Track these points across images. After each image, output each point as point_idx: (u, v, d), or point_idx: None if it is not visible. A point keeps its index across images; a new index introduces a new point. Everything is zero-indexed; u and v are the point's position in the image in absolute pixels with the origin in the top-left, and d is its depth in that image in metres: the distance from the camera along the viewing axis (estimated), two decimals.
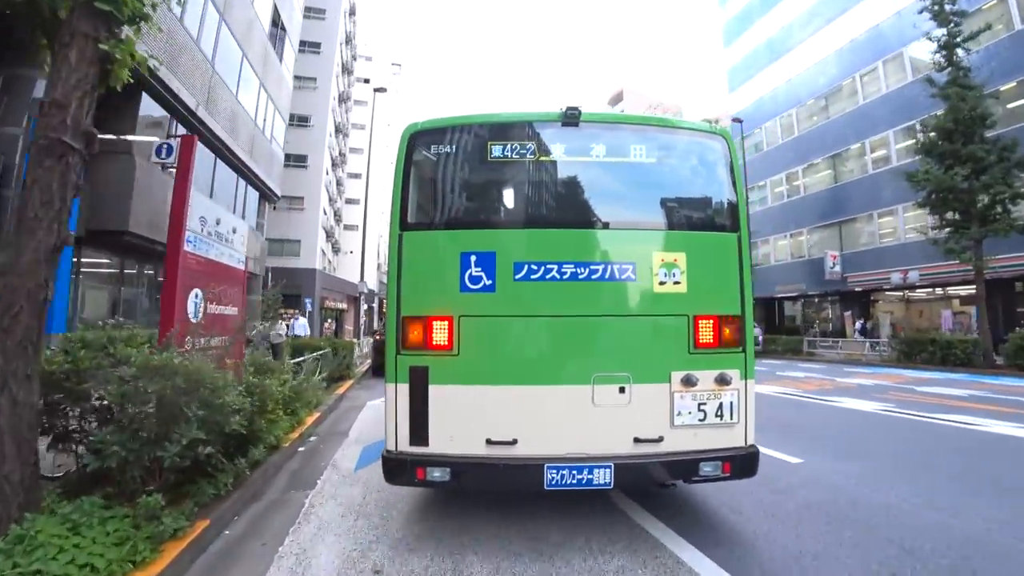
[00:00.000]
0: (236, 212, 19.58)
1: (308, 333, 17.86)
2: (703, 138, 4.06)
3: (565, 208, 3.83)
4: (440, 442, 3.47)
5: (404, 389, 3.52)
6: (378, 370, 13.84)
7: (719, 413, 3.54)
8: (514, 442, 3.43)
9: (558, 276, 3.56)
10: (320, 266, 34.78)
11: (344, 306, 39.74)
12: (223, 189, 18.53)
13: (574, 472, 3.33)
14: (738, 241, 3.78)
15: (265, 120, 21.58)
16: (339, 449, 6.84)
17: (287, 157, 33.59)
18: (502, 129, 3.89)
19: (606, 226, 3.78)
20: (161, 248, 11.36)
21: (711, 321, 3.60)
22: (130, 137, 11.92)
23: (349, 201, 52.66)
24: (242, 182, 20.36)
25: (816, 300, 32.09)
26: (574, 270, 3.57)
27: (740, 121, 31.39)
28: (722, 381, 3.56)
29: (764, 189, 34.55)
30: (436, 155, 3.84)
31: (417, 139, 3.84)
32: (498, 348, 3.57)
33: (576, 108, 3.76)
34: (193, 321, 5.15)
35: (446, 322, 3.52)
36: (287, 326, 16.88)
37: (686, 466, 3.49)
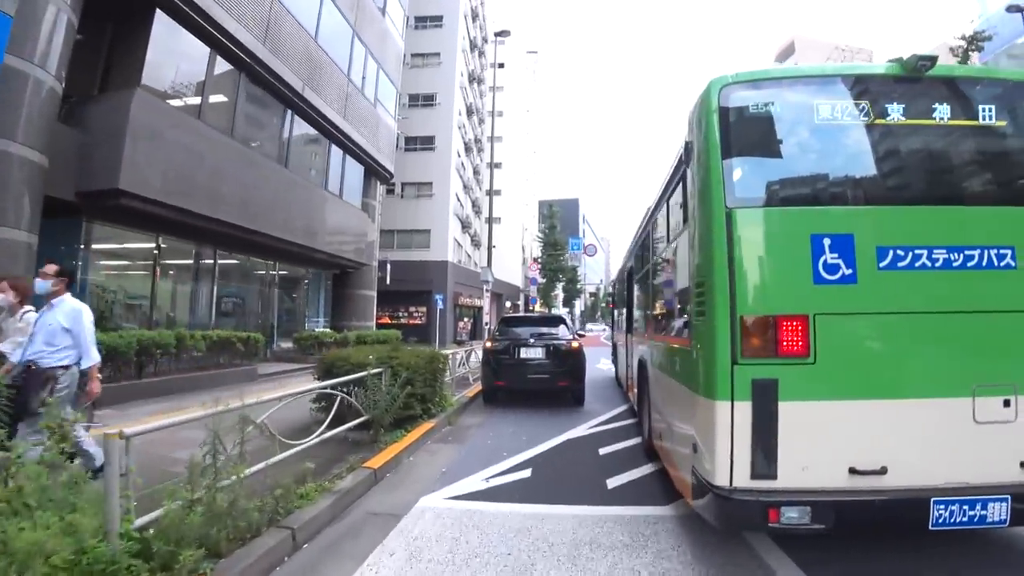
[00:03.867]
0: (328, 185, 15.86)
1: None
2: None
3: (926, 180, 3.15)
4: (790, 474, 2.75)
5: (745, 408, 2.77)
6: (493, 394, 9.38)
7: None
8: (883, 471, 2.75)
9: (929, 264, 2.89)
10: (454, 258, 31.12)
11: (481, 303, 36.01)
12: (299, 153, 14.87)
13: (965, 508, 2.66)
14: None
15: (365, 79, 17.75)
16: None
17: (413, 140, 30.58)
18: (835, 84, 3.25)
19: (976, 202, 3.12)
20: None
21: None
22: None
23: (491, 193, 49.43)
24: (336, 150, 16.64)
25: None
26: (947, 256, 2.89)
27: (986, 40, 21.35)
28: None
29: None
30: (755, 116, 3.14)
31: (729, 95, 3.11)
32: (863, 353, 2.88)
33: (928, 58, 3.02)
34: None
35: (800, 322, 2.84)
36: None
37: None
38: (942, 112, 3.07)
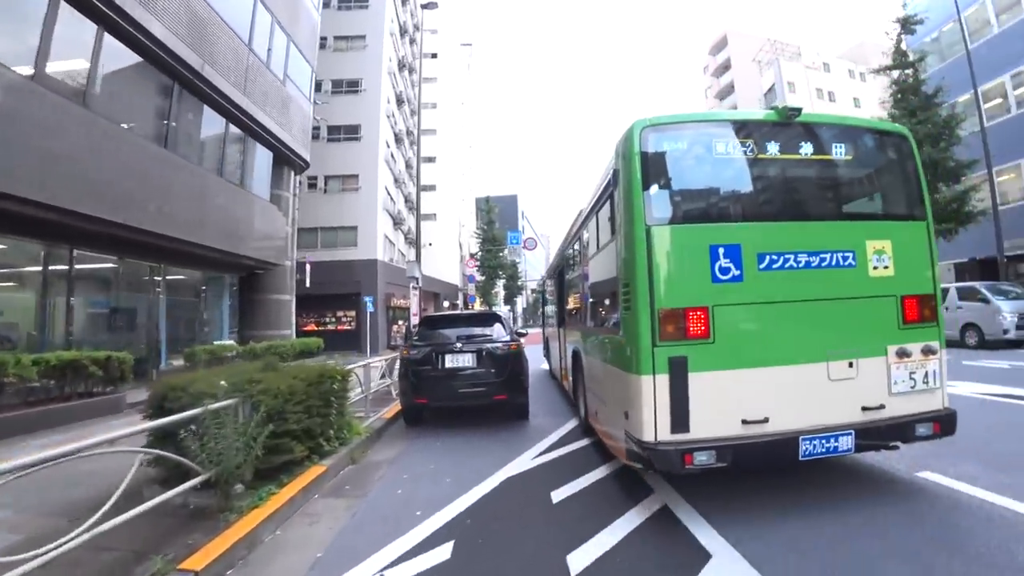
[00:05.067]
0: (225, 172, 13.57)
1: None
2: (891, 133, 4.35)
3: (792, 202, 4.11)
4: (702, 427, 3.57)
5: (663, 380, 3.60)
6: (415, 415, 7.64)
7: (925, 380, 3.92)
8: (766, 420, 3.63)
9: (794, 265, 3.82)
10: (385, 257, 28.94)
11: (421, 305, 34.00)
12: (187, 133, 12.50)
13: (823, 442, 3.58)
14: (927, 228, 4.13)
15: (271, 51, 15.52)
16: None
17: (336, 129, 28.21)
18: (729, 126, 4.14)
19: (828, 218, 4.07)
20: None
21: (914, 300, 3.96)
22: None
23: (425, 188, 47.22)
24: (235, 131, 14.34)
25: None
26: (807, 259, 3.84)
27: (918, 23, 21.67)
28: (927, 352, 3.93)
29: (967, 107, 24.10)
30: (668, 151, 3.95)
31: (648, 136, 3.92)
32: (749, 333, 3.75)
33: (795, 109, 4.05)
34: None
35: (702, 312, 3.66)
36: None
37: (905, 429, 3.79)
38: (806, 149, 4.02)
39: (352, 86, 29.01)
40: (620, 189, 4.02)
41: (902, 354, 3.87)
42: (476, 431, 6.93)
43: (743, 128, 4.07)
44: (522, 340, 7.51)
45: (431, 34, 53.43)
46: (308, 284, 21.44)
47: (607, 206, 4.65)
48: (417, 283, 15.10)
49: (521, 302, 66.20)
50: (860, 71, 46.92)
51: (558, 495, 4.32)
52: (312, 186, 27.63)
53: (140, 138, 10.75)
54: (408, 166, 38.63)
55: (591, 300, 5.94)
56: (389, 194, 30.75)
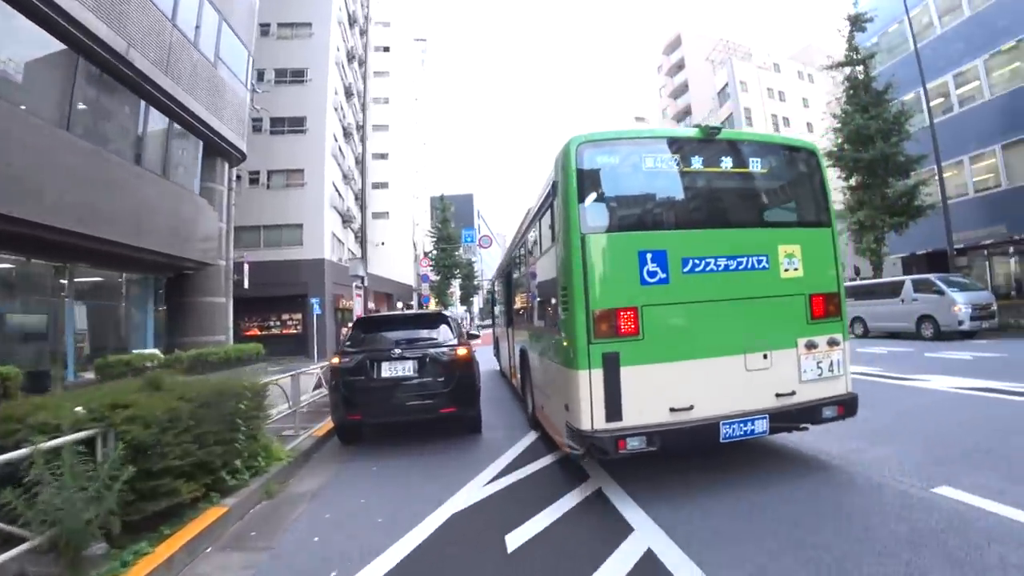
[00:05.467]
0: (144, 160, 12.20)
1: None
2: (800, 149, 4.82)
3: (713, 211, 4.53)
4: (633, 415, 3.90)
5: (598, 374, 3.90)
6: (351, 433, 6.67)
7: (831, 368, 4.39)
8: (691, 407, 3.99)
9: (715, 268, 4.20)
10: (333, 256, 27.51)
11: (372, 306, 32.56)
12: (97, 115, 11.02)
13: (741, 425, 3.97)
14: (831, 234, 4.60)
15: (199, 29, 14.11)
16: None
17: (280, 121, 26.61)
18: (657, 142, 4.59)
19: (744, 225, 4.48)
20: None
21: (821, 297, 4.42)
22: None
23: (377, 185, 45.68)
24: (157, 116, 12.92)
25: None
26: (726, 263, 4.22)
27: (867, 21, 22.00)
28: (832, 343, 4.41)
29: (914, 104, 24.59)
30: (601, 165, 4.28)
31: (583, 152, 4.23)
32: (674, 330, 4.11)
33: (716, 128, 4.46)
34: None
35: (632, 312, 4.00)
36: None
37: (813, 412, 4.23)
38: (726, 163, 4.47)
39: (297, 76, 27.45)
40: (559, 199, 4.39)
41: (810, 346, 4.34)
42: (421, 449, 6.04)
43: (670, 144, 4.51)
44: (476, 342, 6.67)
45: (383, 27, 51.89)
46: (247, 285, 19.91)
47: (548, 214, 4.99)
48: (362, 282, 13.98)
49: (478, 302, 65.18)
50: (809, 72, 48.10)
51: (514, 539, 3.47)
52: (254, 181, 25.97)
53: (36, 119, 9.33)
54: (358, 162, 37.07)
55: (535, 301, 6.22)
56: (337, 190, 29.30)
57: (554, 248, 4.64)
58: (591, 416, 3.88)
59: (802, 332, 4.33)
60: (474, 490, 4.54)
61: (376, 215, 44.91)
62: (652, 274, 4.07)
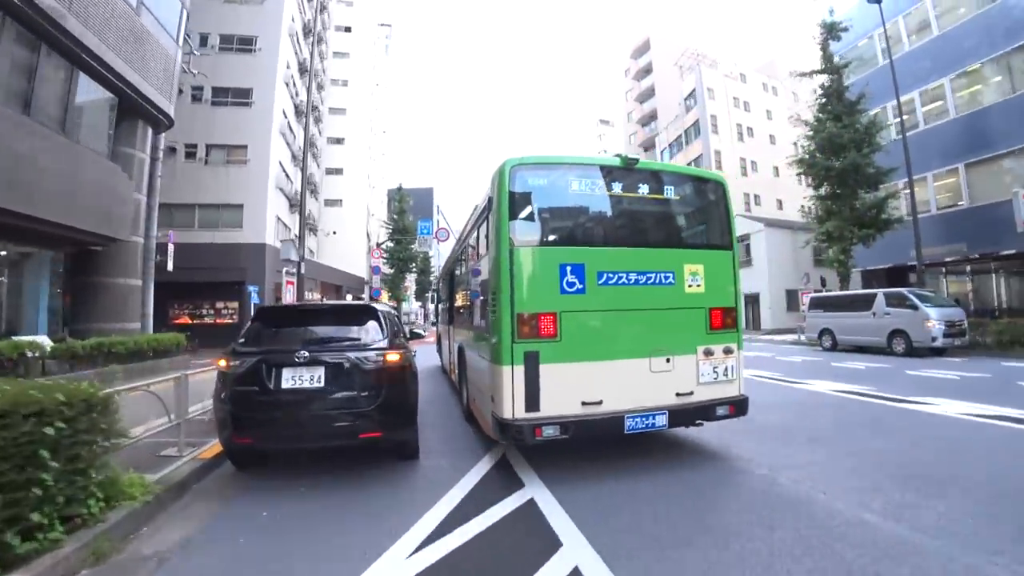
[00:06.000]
0: (34, 110, 10.24)
1: None
2: (709, 180, 5.47)
3: (628, 231, 5.08)
4: (550, 406, 4.40)
5: (520, 370, 4.38)
6: (245, 456, 5.09)
7: (726, 373, 4.98)
8: (601, 402, 4.52)
9: (626, 281, 4.76)
10: (277, 242, 25.46)
11: (316, 296, 30.46)
12: None
13: (643, 419, 4.54)
14: (732, 256, 5.21)
15: None
16: None
17: (223, 92, 24.42)
18: (583, 168, 5.04)
19: (655, 245, 5.02)
20: None
21: (719, 311, 5.01)
22: None
23: (331, 171, 43.38)
24: (56, 59, 10.93)
25: (996, 266, 21.80)
26: (636, 277, 4.79)
27: (843, 31, 21.77)
28: (727, 351, 5.00)
29: (883, 116, 24.50)
30: (532, 186, 4.79)
31: (516, 173, 4.73)
32: (590, 334, 4.62)
33: (634, 158, 5.08)
34: None
35: (551, 316, 4.51)
36: None
37: (708, 410, 4.83)
38: (644, 190, 5.03)
39: (245, 44, 25.24)
40: (493, 214, 4.80)
41: (708, 353, 4.91)
42: (335, 483, 4.62)
43: (593, 171, 5.02)
44: (420, 342, 5.33)
45: (346, 6, 49.52)
46: (171, 267, 17.80)
47: (485, 224, 5.44)
48: (296, 267, 12.31)
49: (434, 297, 63.28)
50: (773, 85, 48.54)
51: None
52: (191, 155, 23.67)
53: None
54: (311, 144, 34.91)
55: (471, 302, 6.81)
56: (285, 171, 27.20)
57: (487, 256, 5.05)
58: (512, 407, 4.36)
59: (701, 341, 4.92)
60: (398, 559, 3.17)
61: (329, 202, 42.67)
62: (571, 284, 4.59)
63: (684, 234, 5.32)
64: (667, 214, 5.21)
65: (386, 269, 46.52)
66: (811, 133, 21.04)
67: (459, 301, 8.64)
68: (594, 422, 4.41)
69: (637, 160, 5.06)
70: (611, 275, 4.68)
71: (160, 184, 16.39)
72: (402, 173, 65.38)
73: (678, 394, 4.74)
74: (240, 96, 24.53)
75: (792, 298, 33.48)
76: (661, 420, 4.56)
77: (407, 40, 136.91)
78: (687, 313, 4.89)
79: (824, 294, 18.79)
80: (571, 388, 4.44)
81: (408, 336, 8.16)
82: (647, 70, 58.27)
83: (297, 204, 29.27)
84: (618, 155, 5.07)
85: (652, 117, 56.99)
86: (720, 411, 4.81)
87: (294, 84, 28.67)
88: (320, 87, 38.42)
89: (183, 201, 22.59)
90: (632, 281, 4.75)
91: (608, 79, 70.35)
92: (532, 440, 4.22)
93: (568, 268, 4.57)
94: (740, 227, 35.65)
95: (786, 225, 36.49)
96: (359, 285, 42.61)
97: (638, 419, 4.48)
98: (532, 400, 4.34)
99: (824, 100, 21.11)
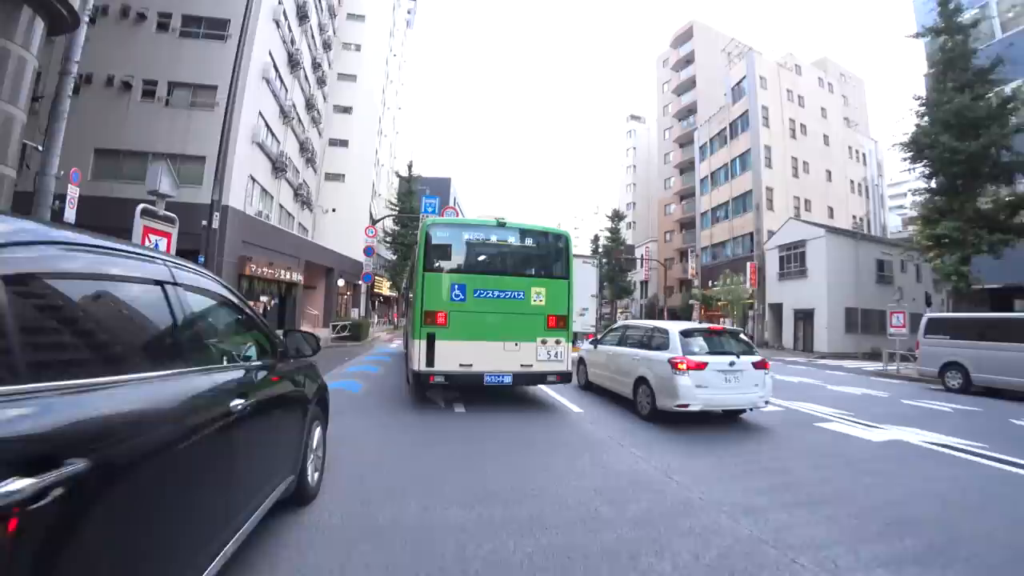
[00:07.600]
0: None
1: None
2: (558, 235, 8.75)
3: (497, 265, 8.41)
4: (439, 365, 7.62)
5: (424, 343, 7.63)
6: None
7: (556, 356, 8.10)
8: (471, 365, 7.71)
9: (492, 296, 8.00)
10: (250, 208, 21.33)
11: (300, 278, 26.28)
12: None
13: (497, 377, 7.76)
14: (568, 284, 8.40)
15: None
16: None
17: (195, 21, 20.19)
18: (474, 226, 8.60)
19: (513, 275, 8.27)
20: None
21: (554, 317, 8.16)
22: None
23: (335, 143, 39.29)
24: None
25: None
26: (500, 293, 8.03)
27: None
28: (558, 342, 8.14)
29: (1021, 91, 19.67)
30: (440, 235, 8.27)
31: (432, 227, 8.21)
32: (466, 325, 7.81)
33: (503, 219, 8.39)
34: None
35: (444, 313, 7.77)
36: None
37: (543, 377, 8.14)
38: (513, 240, 8.55)
39: None
40: (418, 250, 8.22)
41: (544, 341, 8.05)
42: None
43: (479, 228, 8.49)
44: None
45: None
46: (72, 218, 13.59)
47: (413, 257, 10.58)
48: (159, 199, 8.13)
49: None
50: (829, 81, 43.71)
51: None
52: (148, 93, 19.53)
53: None
54: (310, 106, 30.75)
55: (408, 303, 12.78)
56: (267, 124, 23.01)
57: (414, 276, 8.81)
58: (419, 363, 7.62)
59: (541, 334, 8.06)
60: None
61: (330, 176, 38.62)
62: (457, 296, 7.87)
63: (535, 268, 8.54)
64: (525, 255, 8.65)
65: (390, 255, 42.36)
66: (923, 109, 16.42)
67: (408, 300, 13.62)
68: (466, 375, 7.70)
69: (506, 221, 8.33)
70: (483, 291, 7.96)
71: (95, 121, 12.22)
72: (420, 158, 61.22)
73: (521, 365, 7.94)
74: (214, 28, 20.30)
75: (851, 318, 28.69)
76: (508, 379, 7.83)
77: (432, 23, 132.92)
78: (532, 317, 8.08)
79: (952, 315, 13.93)
80: (453, 355, 7.66)
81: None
82: (688, 59, 53.66)
83: (281, 167, 25.11)
84: (496, 219, 8.35)
85: (691, 111, 52.38)
86: (550, 378, 8.12)
87: (287, 24, 24.45)
88: (327, 46, 34.29)
89: (132, 148, 18.58)
90: (496, 295, 8.00)
91: (640, 73, 65.86)
92: (428, 384, 7.68)
93: (456, 285, 7.90)
94: (793, 232, 31.14)
95: (847, 233, 31.74)
96: (357, 270, 38.44)
97: (493, 377, 7.74)
98: (430, 360, 7.60)
99: (941, 68, 16.49)
